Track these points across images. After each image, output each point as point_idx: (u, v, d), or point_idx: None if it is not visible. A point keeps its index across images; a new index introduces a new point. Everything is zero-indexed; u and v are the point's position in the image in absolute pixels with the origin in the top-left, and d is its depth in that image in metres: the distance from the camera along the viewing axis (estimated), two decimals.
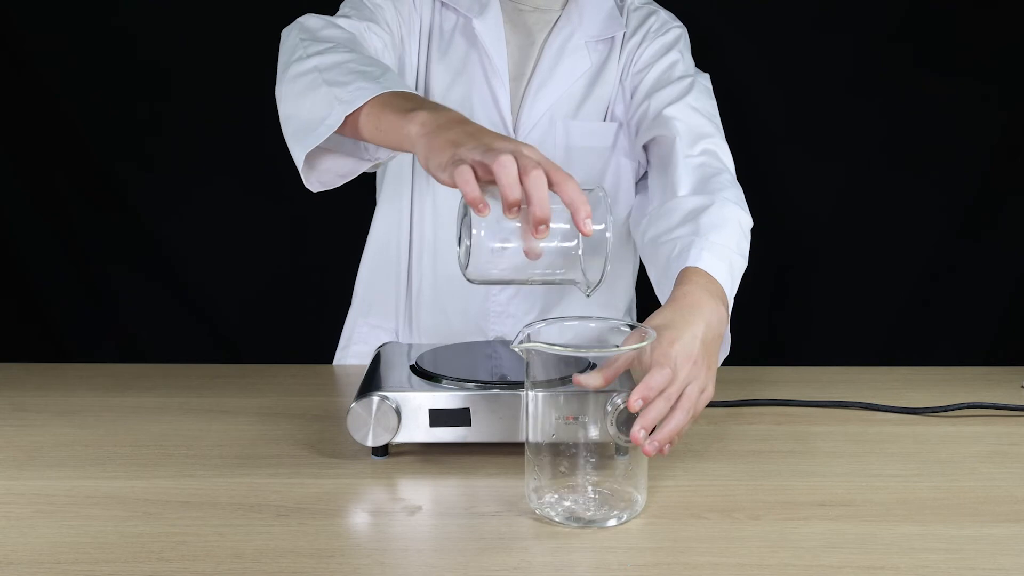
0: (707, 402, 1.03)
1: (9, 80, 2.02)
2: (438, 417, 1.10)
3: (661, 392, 0.97)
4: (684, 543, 0.94)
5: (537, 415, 0.97)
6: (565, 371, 0.97)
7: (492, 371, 1.20)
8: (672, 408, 0.98)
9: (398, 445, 1.13)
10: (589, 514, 0.96)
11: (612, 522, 0.96)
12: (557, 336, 1.00)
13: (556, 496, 0.97)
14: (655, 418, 0.96)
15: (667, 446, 0.97)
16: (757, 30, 2.03)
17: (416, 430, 1.11)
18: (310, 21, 1.26)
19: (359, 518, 0.99)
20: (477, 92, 1.40)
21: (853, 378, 1.45)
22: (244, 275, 2.10)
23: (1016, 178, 2.07)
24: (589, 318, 1.03)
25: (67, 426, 1.24)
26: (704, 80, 1.46)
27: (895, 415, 1.30)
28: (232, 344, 2.14)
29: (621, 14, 1.48)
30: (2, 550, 0.91)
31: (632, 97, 1.46)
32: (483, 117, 1.41)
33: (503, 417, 1.10)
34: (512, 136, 1.41)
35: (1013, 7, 1.99)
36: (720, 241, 1.17)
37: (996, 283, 2.11)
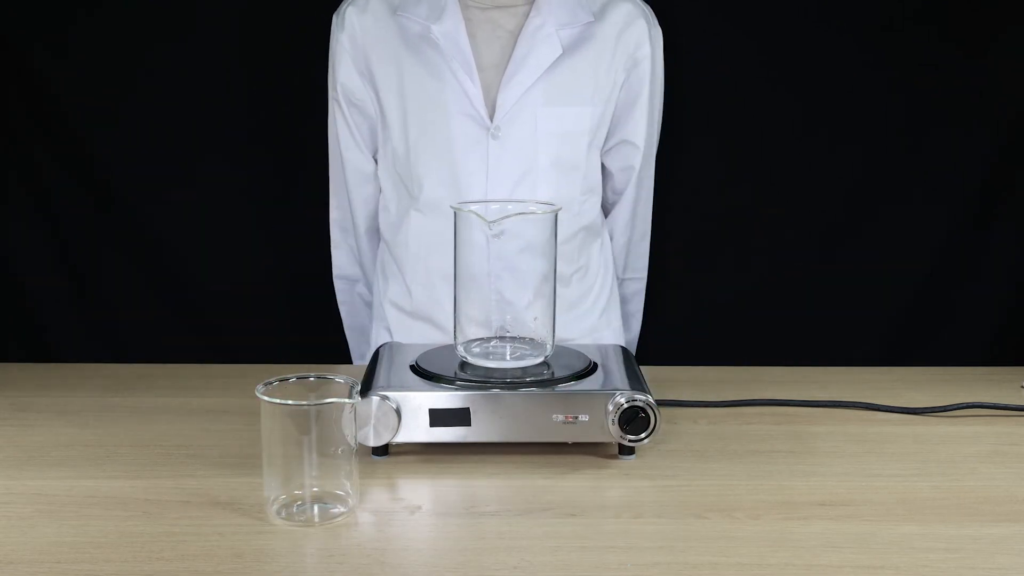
0: None
1: None
2: (438, 417, 1.10)
3: None
4: (684, 543, 0.94)
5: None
6: None
7: (492, 370, 1.20)
8: None
9: (398, 445, 1.13)
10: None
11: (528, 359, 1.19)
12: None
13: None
14: None
15: None
16: (756, 24, 2.02)
17: (416, 430, 1.11)
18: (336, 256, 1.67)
19: (359, 518, 0.99)
20: (449, 88, 1.47)
21: (853, 378, 1.45)
22: (242, 275, 2.09)
23: (1015, 177, 2.06)
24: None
25: (67, 426, 1.24)
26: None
27: (895, 415, 1.30)
28: (229, 347, 2.14)
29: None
30: (2, 550, 0.91)
31: (614, 111, 1.53)
32: (457, 110, 1.47)
33: (503, 417, 1.10)
34: (488, 125, 1.46)
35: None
36: None
37: (996, 283, 2.10)
